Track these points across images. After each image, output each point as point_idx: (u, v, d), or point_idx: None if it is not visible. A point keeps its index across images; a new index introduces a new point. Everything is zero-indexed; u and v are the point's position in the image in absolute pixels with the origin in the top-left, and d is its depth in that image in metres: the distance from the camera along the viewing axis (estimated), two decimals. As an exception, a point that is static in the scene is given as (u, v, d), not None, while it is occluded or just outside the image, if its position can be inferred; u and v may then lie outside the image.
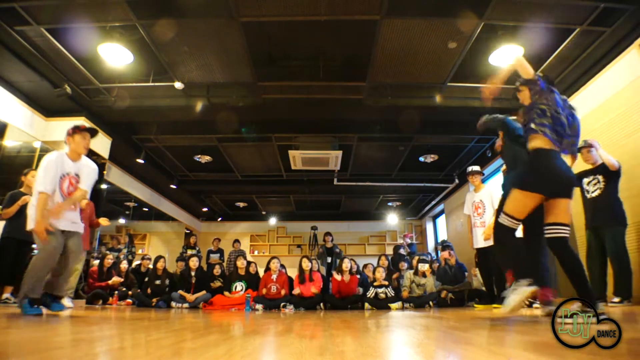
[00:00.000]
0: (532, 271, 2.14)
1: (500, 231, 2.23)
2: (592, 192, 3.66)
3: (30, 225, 2.77)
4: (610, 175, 3.53)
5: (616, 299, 3.28)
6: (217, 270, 6.09)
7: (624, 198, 3.79)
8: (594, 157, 3.70)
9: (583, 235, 3.88)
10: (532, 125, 2.19)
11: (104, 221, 4.75)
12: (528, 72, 2.26)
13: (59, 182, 2.87)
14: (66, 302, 4.26)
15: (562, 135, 2.20)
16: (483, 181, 4.92)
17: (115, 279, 5.40)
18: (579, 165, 3.83)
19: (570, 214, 2.16)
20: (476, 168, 4.81)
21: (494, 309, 4.02)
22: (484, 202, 4.51)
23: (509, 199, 2.20)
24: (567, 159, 2.33)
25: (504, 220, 2.19)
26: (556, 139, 2.16)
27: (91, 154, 5.39)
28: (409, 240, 8.53)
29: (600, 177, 3.61)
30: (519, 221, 2.18)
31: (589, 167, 3.77)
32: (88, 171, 3.08)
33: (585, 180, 3.77)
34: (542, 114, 2.18)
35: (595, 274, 3.52)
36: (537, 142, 2.17)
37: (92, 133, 3.05)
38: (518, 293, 2.01)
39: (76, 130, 2.99)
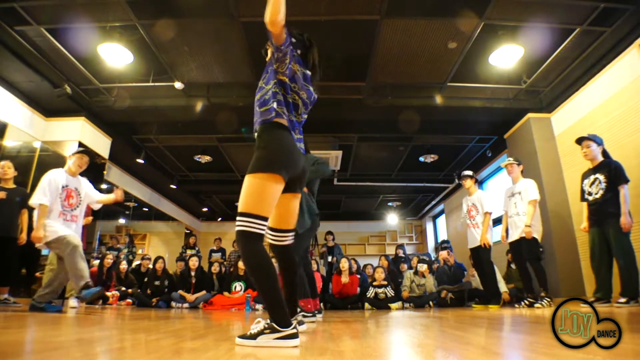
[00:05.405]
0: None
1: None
2: (595, 193, 3.41)
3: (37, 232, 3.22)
4: (613, 174, 3.29)
5: (622, 300, 3.10)
6: (215, 268, 6.16)
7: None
8: (593, 152, 3.50)
9: (584, 236, 3.78)
10: None
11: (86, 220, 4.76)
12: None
13: (60, 194, 3.38)
14: (72, 302, 4.28)
15: None
16: (482, 182, 4.92)
17: (115, 293, 5.38)
18: (584, 164, 3.73)
19: None
20: (466, 172, 4.81)
21: (491, 308, 4.03)
22: (475, 205, 4.58)
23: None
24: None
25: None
26: None
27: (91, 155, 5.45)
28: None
29: (601, 177, 3.37)
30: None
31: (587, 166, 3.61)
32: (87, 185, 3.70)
33: (586, 182, 3.54)
34: None
35: (601, 276, 3.34)
36: None
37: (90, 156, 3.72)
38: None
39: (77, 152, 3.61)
